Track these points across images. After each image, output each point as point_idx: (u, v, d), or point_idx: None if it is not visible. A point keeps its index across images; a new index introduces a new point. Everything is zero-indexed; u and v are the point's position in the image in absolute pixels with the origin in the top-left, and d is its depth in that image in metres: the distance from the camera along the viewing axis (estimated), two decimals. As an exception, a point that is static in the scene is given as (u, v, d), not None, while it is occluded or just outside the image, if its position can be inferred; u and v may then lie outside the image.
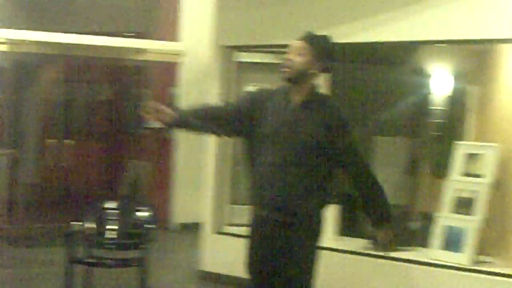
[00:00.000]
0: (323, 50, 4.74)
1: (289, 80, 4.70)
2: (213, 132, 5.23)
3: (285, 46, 8.42)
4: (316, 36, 4.80)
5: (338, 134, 4.67)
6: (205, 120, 4.85)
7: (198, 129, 5.02)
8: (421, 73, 9.20)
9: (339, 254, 7.88)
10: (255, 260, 4.89)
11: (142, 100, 13.81)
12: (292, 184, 4.63)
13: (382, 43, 7.83)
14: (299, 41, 4.72)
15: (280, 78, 4.76)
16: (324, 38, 4.85)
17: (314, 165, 4.65)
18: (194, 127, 4.94)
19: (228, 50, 8.55)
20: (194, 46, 11.39)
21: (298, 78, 4.67)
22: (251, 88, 10.10)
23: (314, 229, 4.77)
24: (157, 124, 4.79)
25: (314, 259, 4.82)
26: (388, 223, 4.89)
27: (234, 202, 8.88)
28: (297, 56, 4.66)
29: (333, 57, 4.85)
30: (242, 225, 8.64)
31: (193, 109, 4.99)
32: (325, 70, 4.79)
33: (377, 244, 7.77)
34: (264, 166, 4.69)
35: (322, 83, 9.30)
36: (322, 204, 4.79)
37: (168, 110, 4.69)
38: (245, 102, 5.01)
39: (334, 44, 4.88)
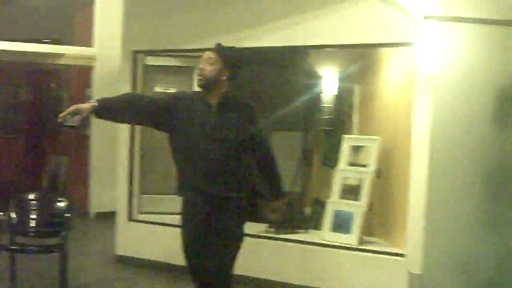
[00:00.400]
0: (231, 60, 4.94)
1: (203, 86, 4.89)
2: (131, 121, 5.72)
3: (188, 50, 8.48)
4: (225, 48, 4.99)
5: (251, 126, 4.94)
6: (126, 109, 4.93)
7: (117, 117, 5.07)
8: (312, 74, 9.24)
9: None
10: (192, 239, 5.02)
11: (61, 100, 13.68)
12: (220, 173, 4.84)
13: (279, 48, 7.80)
14: (210, 52, 4.89)
15: (196, 84, 4.97)
16: (232, 49, 5.09)
17: (236, 156, 4.89)
18: (114, 114, 4.98)
19: (136, 55, 8.46)
20: (106, 51, 11.29)
21: (210, 85, 4.87)
22: (158, 89, 10.04)
23: (241, 211, 5.05)
24: (75, 122, 4.72)
25: (241, 237, 5.20)
26: (282, 200, 5.33)
27: (144, 192, 8.81)
28: (209, 66, 4.85)
29: (240, 66, 5.06)
30: (151, 213, 8.65)
31: (115, 99, 4.99)
32: (233, 77, 4.98)
33: (275, 228, 7.81)
34: (195, 159, 4.84)
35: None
36: (245, 189, 4.99)
37: (84, 106, 4.72)
38: (169, 99, 5.08)
39: (241, 54, 5.14)
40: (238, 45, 7.66)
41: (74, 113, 4.69)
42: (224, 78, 4.90)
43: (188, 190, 4.99)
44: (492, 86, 5.43)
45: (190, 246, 5.05)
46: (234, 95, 5.13)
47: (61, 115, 4.71)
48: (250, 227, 8.04)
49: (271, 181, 5.25)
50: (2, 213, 7.27)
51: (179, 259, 7.86)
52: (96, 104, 4.75)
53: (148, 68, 9.01)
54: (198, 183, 4.89)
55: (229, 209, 4.99)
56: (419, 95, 6.59)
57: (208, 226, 4.94)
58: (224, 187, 4.90)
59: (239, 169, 4.96)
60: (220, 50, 4.94)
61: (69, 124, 4.72)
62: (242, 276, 7.63)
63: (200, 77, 4.88)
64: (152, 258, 8.33)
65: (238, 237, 5.20)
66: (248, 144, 4.97)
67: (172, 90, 10.05)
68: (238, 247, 5.22)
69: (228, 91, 5.01)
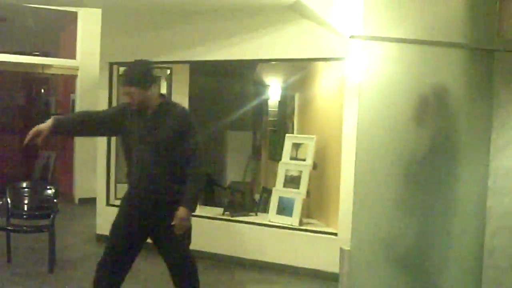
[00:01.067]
0: (143, 81, 4.63)
1: (139, 109, 4.67)
2: (86, 135, 5.41)
3: (157, 62, 8.33)
4: (132, 76, 4.67)
5: (184, 133, 4.64)
6: (80, 125, 4.79)
7: (72, 132, 5.14)
8: (260, 84, 9.23)
9: (201, 219, 7.82)
10: (124, 223, 4.80)
11: (49, 103, 13.55)
12: (154, 170, 4.64)
13: (232, 61, 7.79)
14: (126, 87, 4.63)
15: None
16: (136, 68, 4.73)
17: (167, 157, 4.63)
18: (68, 131, 4.95)
19: (112, 65, 8.38)
20: (87, 62, 11.20)
21: (141, 106, 4.65)
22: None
23: (172, 200, 4.64)
24: (38, 143, 4.65)
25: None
26: (187, 211, 4.64)
27: (119, 181, 8.74)
28: (131, 97, 4.62)
29: (150, 75, 4.72)
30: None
31: (69, 118, 4.93)
32: (153, 86, 4.70)
33: (230, 211, 7.78)
34: (135, 159, 4.69)
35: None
36: (176, 183, 4.65)
37: (42, 126, 4.55)
38: (115, 111, 4.96)
39: (146, 65, 4.78)
40: (200, 58, 7.71)
41: (37, 133, 4.54)
42: (149, 94, 4.63)
43: (129, 184, 4.85)
44: (410, 93, 5.44)
45: (118, 229, 4.81)
46: (172, 102, 5.00)
47: (26, 140, 4.58)
48: (209, 211, 8.08)
49: (186, 189, 4.65)
50: (-1, 199, 7.16)
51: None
52: (52, 121, 4.58)
53: (122, 77, 8.93)
54: (135, 180, 4.73)
55: (165, 204, 4.68)
56: (348, 101, 6.62)
57: (141, 212, 4.71)
58: (158, 183, 4.66)
59: (174, 165, 4.66)
60: (130, 82, 4.63)
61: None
62: (201, 251, 7.62)
63: (132, 107, 4.66)
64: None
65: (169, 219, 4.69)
66: (181, 149, 4.65)
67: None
68: (183, 236, 4.77)
69: (163, 99, 4.79)
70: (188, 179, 4.64)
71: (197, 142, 4.72)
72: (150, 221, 4.71)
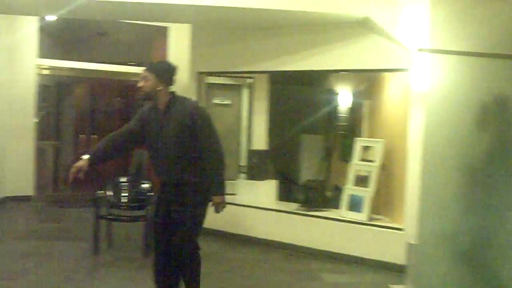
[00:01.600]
0: (161, 72, 4.60)
1: (144, 99, 4.64)
2: (122, 154, 5.05)
3: (241, 72, 8.50)
4: (154, 64, 4.70)
5: (196, 124, 4.54)
6: (112, 149, 4.73)
7: (110, 157, 4.83)
8: (332, 92, 9.20)
9: (278, 213, 7.87)
10: (159, 219, 4.73)
11: (142, 108, 13.77)
12: (174, 162, 4.55)
13: (307, 71, 7.83)
14: (144, 71, 4.60)
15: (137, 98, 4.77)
16: (161, 63, 4.81)
17: (185, 147, 4.54)
18: (106, 157, 4.79)
19: (200, 75, 8.49)
20: (177, 72, 11.33)
21: (150, 96, 4.59)
22: (216, 101, 10.00)
23: (195, 188, 4.59)
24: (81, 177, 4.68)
25: (198, 208, 4.65)
26: (220, 196, 4.63)
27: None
28: (143, 82, 4.57)
29: (171, 74, 4.68)
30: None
31: (101, 147, 4.74)
32: (169, 84, 4.66)
33: (305, 207, 7.79)
34: (157, 153, 4.62)
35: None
36: (195, 173, 4.59)
37: (80, 164, 4.56)
38: (135, 121, 4.79)
39: (170, 65, 4.73)
40: (279, 68, 7.77)
41: (78, 171, 4.55)
42: (161, 87, 4.56)
43: (158, 176, 4.74)
44: (472, 102, 5.37)
45: (157, 224, 4.76)
46: (182, 98, 4.75)
47: (69, 179, 4.58)
48: (286, 206, 8.10)
49: (212, 179, 4.60)
50: (101, 192, 7.39)
51: (232, 228, 7.95)
52: (88, 157, 4.60)
53: (209, 85, 9.05)
54: (159, 174, 4.67)
55: (185, 194, 4.59)
56: (413, 109, 6.54)
57: (167, 208, 4.66)
58: (177, 174, 4.58)
59: (190, 157, 4.57)
60: (150, 67, 4.61)
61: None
62: (279, 242, 7.68)
63: (139, 93, 4.60)
64: (213, 227, 8.27)
65: (194, 216, 4.65)
66: (192, 138, 4.56)
67: (227, 102, 10.08)
68: (195, 224, 4.70)
69: (173, 96, 4.66)
70: (209, 168, 4.58)
71: (211, 133, 4.63)
72: (174, 210, 4.64)
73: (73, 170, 4.55)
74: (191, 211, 4.59)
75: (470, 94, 5.39)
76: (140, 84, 4.57)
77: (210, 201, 4.64)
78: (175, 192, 4.61)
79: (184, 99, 4.75)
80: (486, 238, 5.34)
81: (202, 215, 4.69)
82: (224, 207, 4.65)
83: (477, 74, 5.39)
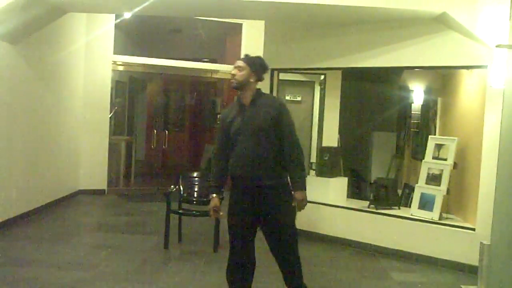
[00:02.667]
0: (256, 65, 4.65)
1: (236, 87, 4.65)
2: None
3: (312, 69, 8.51)
4: (251, 57, 4.73)
5: (279, 117, 4.57)
6: (226, 168, 4.70)
7: (227, 176, 4.76)
8: (405, 89, 9.13)
9: (349, 211, 7.86)
10: (238, 218, 4.68)
11: (216, 104, 13.96)
12: (256, 157, 4.52)
13: (380, 68, 7.75)
14: (240, 61, 4.64)
15: (230, 86, 4.71)
16: (257, 58, 4.78)
17: (266, 143, 4.54)
18: (226, 178, 4.78)
19: (273, 71, 8.53)
20: (268, 71, 11.45)
21: (241, 86, 4.61)
22: (287, 97, 10.08)
23: (275, 184, 4.58)
24: (220, 215, 4.75)
25: (290, 207, 4.62)
26: (301, 192, 4.61)
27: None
28: (238, 71, 4.60)
29: (264, 70, 4.73)
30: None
31: (217, 173, 4.76)
32: (259, 78, 4.69)
33: (375, 205, 7.76)
34: (238, 150, 4.59)
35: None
36: (277, 167, 4.59)
37: (214, 203, 4.75)
38: (222, 132, 4.80)
39: (264, 62, 4.76)
40: (352, 65, 7.75)
41: (215, 210, 4.73)
42: (252, 80, 4.60)
43: (233, 177, 4.66)
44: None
45: (235, 226, 4.70)
46: (266, 94, 4.82)
47: (213, 218, 4.83)
48: (356, 203, 8.09)
49: (293, 174, 4.61)
50: (173, 187, 7.47)
51: (298, 225, 8.02)
52: (216, 194, 4.73)
53: (282, 82, 9.10)
54: (238, 169, 4.59)
55: (265, 191, 4.55)
56: (489, 106, 6.45)
57: (247, 207, 4.61)
58: (258, 171, 4.54)
59: (274, 151, 4.56)
60: (246, 58, 4.68)
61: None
62: (348, 239, 7.67)
63: (232, 81, 4.62)
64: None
65: (290, 217, 4.67)
66: (276, 132, 4.57)
67: (298, 98, 10.12)
68: (293, 225, 4.71)
69: (258, 91, 4.70)
70: (290, 163, 4.59)
71: (293, 128, 4.66)
72: (257, 208, 4.59)
73: (212, 211, 4.78)
74: (285, 212, 4.63)
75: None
76: (234, 72, 4.66)
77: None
78: (258, 188, 4.56)
79: (268, 95, 4.87)
80: None
81: (295, 213, 4.71)
82: (305, 204, 4.66)
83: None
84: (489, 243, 5.43)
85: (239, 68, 4.62)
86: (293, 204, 4.59)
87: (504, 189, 5.26)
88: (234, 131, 4.63)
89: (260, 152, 4.54)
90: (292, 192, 4.61)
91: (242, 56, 4.76)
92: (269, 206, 4.56)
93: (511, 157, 5.25)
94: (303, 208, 4.65)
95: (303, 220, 8.04)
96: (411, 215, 7.41)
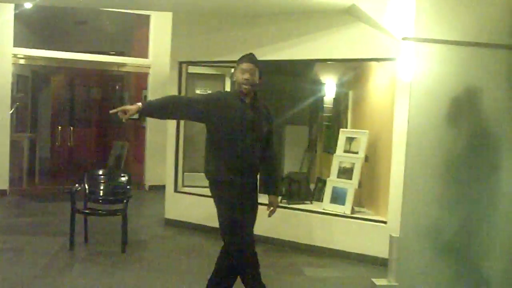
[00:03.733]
0: (260, 66, 4.81)
1: (251, 91, 4.73)
2: (172, 118, 5.61)
3: (222, 62, 8.48)
4: (254, 57, 4.86)
5: (270, 127, 4.88)
6: (168, 108, 4.71)
7: (160, 115, 4.82)
8: (317, 82, 9.23)
9: (260, 206, 7.85)
10: (234, 204, 4.75)
11: (123, 99, 13.76)
12: (254, 158, 4.76)
13: (291, 60, 7.78)
14: (250, 64, 4.73)
15: (244, 90, 4.71)
16: (254, 55, 4.89)
17: (260, 145, 4.79)
18: (157, 114, 4.75)
19: (181, 64, 8.47)
20: (158, 61, 11.37)
21: (251, 88, 4.72)
22: (197, 91, 10.05)
23: (256, 186, 4.98)
24: (134, 116, 4.63)
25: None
26: (276, 196, 5.14)
27: (186, 170, 8.88)
28: (252, 75, 4.70)
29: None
30: (192, 186, 8.66)
31: (159, 101, 4.70)
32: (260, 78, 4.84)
33: (286, 199, 7.80)
34: (239, 148, 4.67)
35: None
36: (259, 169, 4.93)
37: (130, 106, 4.54)
38: (208, 99, 4.83)
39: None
40: (263, 58, 7.68)
41: (125, 111, 4.51)
42: (259, 82, 4.79)
43: (226, 172, 4.70)
44: (457, 92, 5.40)
45: (234, 218, 4.76)
46: (258, 96, 4.96)
47: (112, 111, 4.53)
48: (266, 198, 8.11)
49: (273, 179, 5.04)
50: (77, 185, 7.30)
51: (211, 222, 7.97)
52: (140, 105, 4.55)
53: (190, 75, 9.03)
54: (239, 168, 4.69)
55: (254, 186, 4.91)
56: (399, 99, 6.59)
57: (243, 201, 4.79)
58: (254, 172, 4.85)
59: (259, 156, 4.81)
60: (254, 60, 4.79)
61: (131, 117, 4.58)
62: (260, 236, 7.68)
63: (248, 85, 4.68)
64: (192, 221, 8.37)
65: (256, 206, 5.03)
66: (264, 138, 4.86)
67: (208, 91, 10.08)
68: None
69: (256, 92, 4.85)
70: (272, 169, 4.98)
71: (274, 135, 5.00)
72: (247, 206, 4.87)
73: (121, 108, 4.53)
74: (256, 205, 5.02)
75: (455, 86, 5.42)
76: (247, 76, 4.69)
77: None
78: (249, 187, 4.84)
79: (260, 99, 4.95)
80: (469, 231, 5.40)
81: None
82: (276, 208, 5.11)
83: (462, 64, 5.43)
84: (398, 235, 5.55)
85: (251, 71, 4.71)
86: (270, 209, 5.08)
87: (411, 182, 5.40)
88: (230, 126, 4.66)
89: (255, 160, 4.77)
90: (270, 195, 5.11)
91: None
92: (252, 199, 4.92)
93: (418, 151, 5.39)
94: (274, 213, 5.12)
95: (208, 216, 8.09)
96: (323, 209, 7.51)
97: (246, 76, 4.69)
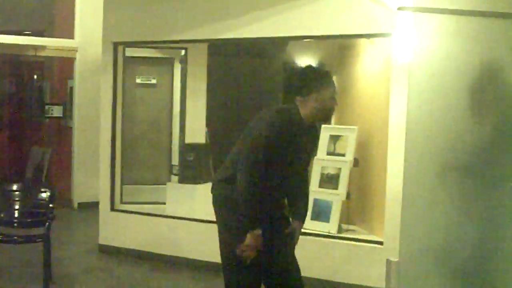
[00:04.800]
0: None
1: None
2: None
3: (169, 41, 8.45)
4: None
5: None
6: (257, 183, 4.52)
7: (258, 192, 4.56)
8: (291, 65, 9.26)
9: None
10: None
11: (43, 92, 13.66)
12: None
13: (259, 39, 7.81)
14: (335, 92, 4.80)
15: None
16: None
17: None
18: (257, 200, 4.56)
19: (116, 46, 8.42)
20: (87, 42, 11.31)
21: None
22: (138, 80, 10.01)
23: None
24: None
25: None
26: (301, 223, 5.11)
27: (126, 182, 8.85)
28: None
29: None
30: (133, 203, 8.64)
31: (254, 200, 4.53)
32: None
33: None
34: (277, 182, 4.67)
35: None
36: None
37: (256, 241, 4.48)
38: (278, 132, 4.63)
39: None
40: (221, 36, 7.73)
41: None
42: None
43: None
44: (467, 75, 5.45)
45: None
46: None
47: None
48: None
49: (300, 202, 4.99)
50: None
51: (159, 248, 7.94)
52: (259, 229, 4.46)
53: (129, 60, 9.00)
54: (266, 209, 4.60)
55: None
56: (395, 85, 6.61)
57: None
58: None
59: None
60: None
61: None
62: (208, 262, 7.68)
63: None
64: (134, 247, 8.33)
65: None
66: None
67: (153, 81, 10.06)
68: None
69: None
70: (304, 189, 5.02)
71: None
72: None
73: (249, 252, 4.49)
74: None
75: (464, 66, 5.47)
76: (334, 106, 4.75)
77: None
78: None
79: None
80: (490, 251, 5.44)
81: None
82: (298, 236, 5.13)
83: (472, 39, 5.48)
84: (397, 259, 5.58)
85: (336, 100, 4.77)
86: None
87: (412, 192, 5.44)
88: (285, 154, 4.58)
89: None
90: None
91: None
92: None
93: (420, 151, 5.43)
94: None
95: (155, 240, 8.07)
96: (303, 228, 7.51)
97: (333, 104, 4.72)
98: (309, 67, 4.84)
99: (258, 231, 4.43)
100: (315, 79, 4.68)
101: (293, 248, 4.99)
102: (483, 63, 5.43)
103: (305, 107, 4.58)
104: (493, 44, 5.46)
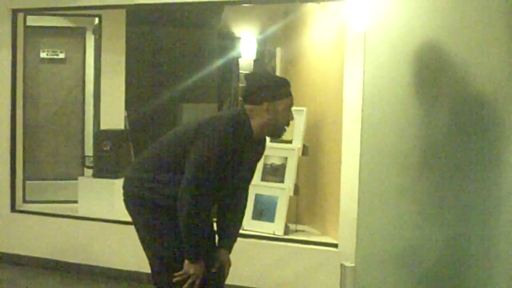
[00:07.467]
0: None
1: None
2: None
3: (77, 8, 8.42)
4: None
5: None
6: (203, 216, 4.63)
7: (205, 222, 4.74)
8: (228, 36, 9.30)
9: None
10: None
11: None
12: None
13: (187, 3, 7.82)
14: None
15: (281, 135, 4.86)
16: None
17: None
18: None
19: (16, 13, 8.37)
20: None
21: None
22: (43, 54, 9.98)
23: None
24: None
25: None
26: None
27: (29, 178, 8.81)
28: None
29: None
30: (38, 202, 8.60)
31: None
32: None
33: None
34: (230, 185, 4.80)
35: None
36: None
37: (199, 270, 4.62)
38: (227, 150, 4.68)
39: None
40: (142, 1, 7.71)
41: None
42: None
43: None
44: (429, 48, 5.56)
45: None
46: None
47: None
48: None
49: (234, 227, 5.08)
50: None
51: (70, 256, 7.95)
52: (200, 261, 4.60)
53: (31, 30, 8.94)
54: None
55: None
56: (349, 59, 6.66)
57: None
58: None
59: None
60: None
61: None
62: (139, 272, 7.73)
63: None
64: (39, 255, 8.29)
65: None
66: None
67: (61, 55, 10.03)
68: None
69: None
70: (239, 214, 5.12)
71: None
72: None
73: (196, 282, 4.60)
74: None
75: (433, 38, 5.58)
76: (291, 119, 4.80)
77: None
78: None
79: None
80: (460, 253, 5.57)
81: None
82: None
83: (445, 5, 5.59)
84: (353, 264, 5.70)
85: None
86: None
87: (369, 184, 5.54)
88: (229, 171, 4.63)
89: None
90: None
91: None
92: None
93: (378, 137, 5.53)
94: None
95: (66, 247, 8.06)
96: (242, 229, 7.54)
97: (291, 118, 4.77)
98: (266, 73, 4.93)
99: (201, 262, 4.57)
100: (270, 86, 4.68)
101: (224, 282, 5.03)
102: (452, 35, 5.56)
103: (255, 118, 4.62)
104: (465, 13, 5.58)
